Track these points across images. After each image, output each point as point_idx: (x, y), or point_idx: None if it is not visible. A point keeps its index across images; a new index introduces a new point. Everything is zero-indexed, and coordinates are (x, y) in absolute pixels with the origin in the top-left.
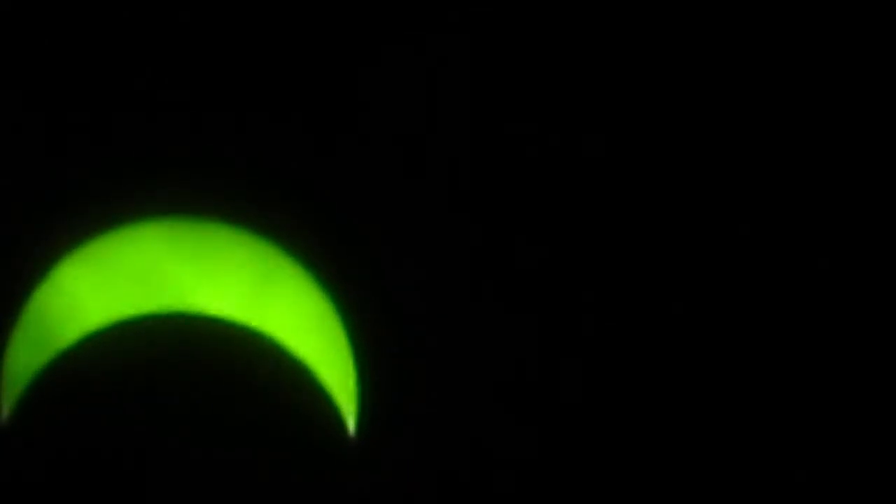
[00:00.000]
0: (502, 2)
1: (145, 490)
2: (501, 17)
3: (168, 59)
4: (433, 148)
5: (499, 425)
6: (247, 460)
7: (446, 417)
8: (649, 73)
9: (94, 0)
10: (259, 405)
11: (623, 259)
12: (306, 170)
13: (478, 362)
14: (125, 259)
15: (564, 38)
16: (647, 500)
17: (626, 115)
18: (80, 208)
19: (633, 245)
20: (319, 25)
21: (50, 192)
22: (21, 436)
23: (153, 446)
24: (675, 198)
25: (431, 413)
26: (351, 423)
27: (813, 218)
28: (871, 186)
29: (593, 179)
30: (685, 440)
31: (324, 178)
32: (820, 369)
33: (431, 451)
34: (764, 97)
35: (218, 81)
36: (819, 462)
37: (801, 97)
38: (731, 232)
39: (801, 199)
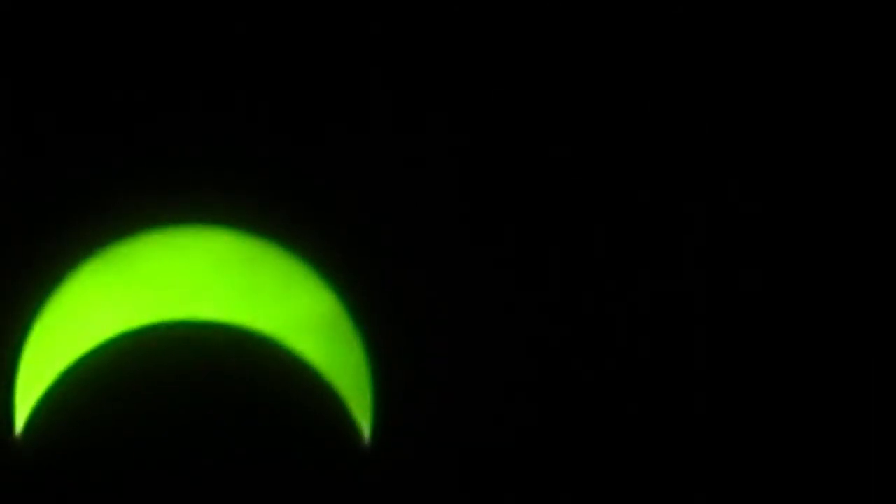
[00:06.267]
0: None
1: (160, 499)
2: (503, 17)
3: (187, 69)
4: (448, 153)
5: (513, 431)
6: (262, 467)
7: (460, 424)
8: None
9: (102, 8)
10: (274, 412)
11: (642, 261)
12: (326, 178)
13: (492, 368)
14: (136, 268)
15: (564, 40)
16: None
17: (629, 114)
18: (89, 219)
19: (650, 246)
20: (324, 27)
21: (55, 205)
22: (36, 448)
23: (168, 455)
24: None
25: (445, 419)
26: (366, 430)
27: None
28: (871, 187)
29: (604, 178)
30: (693, 446)
31: (345, 188)
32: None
33: (445, 458)
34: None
35: (234, 89)
36: (819, 462)
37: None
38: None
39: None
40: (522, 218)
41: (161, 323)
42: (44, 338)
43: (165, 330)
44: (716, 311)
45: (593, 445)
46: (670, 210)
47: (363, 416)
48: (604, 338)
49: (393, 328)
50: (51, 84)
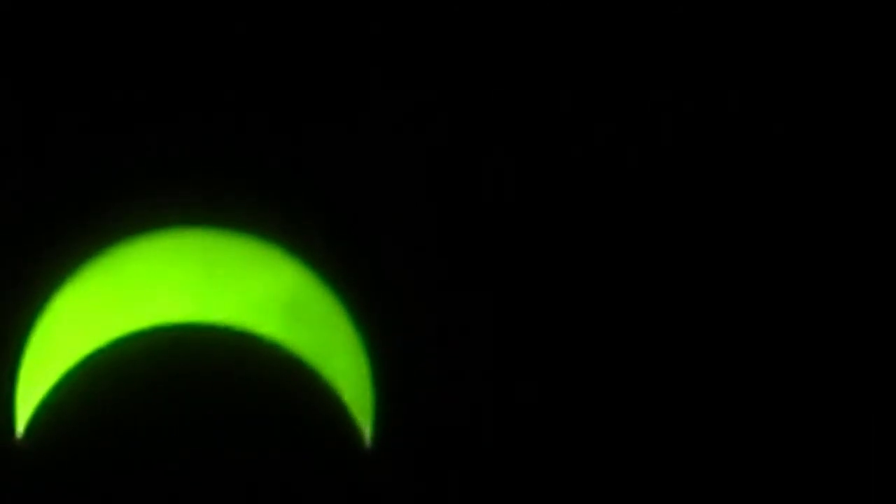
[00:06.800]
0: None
1: (162, 501)
2: (503, 18)
3: (170, 70)
4: (449, 153)
5: (515, 434)
6: (263, 470)
7: (461, 426)
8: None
9: (102, 8)
10: (276, 414)
11: (643, 262)
12: (326, 179)
13: (494, 371)
14: (138, 270)
15: (563, 41)
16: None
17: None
18: (91, 220)
19: (639, 247)
20: (322, 28)
21: (57, 206)
22: (37, 450)
23: (170, 456)
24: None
25: (446, 422)
26: (367, 433)
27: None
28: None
29: (597, 181)
30: (689, 442)
31: (346, 189)
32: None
33: (446, 461)
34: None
35: (223, 89)
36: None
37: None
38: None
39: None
40: (524, 218)
41: (163, 325)
42: (45, 340)
43: (167, 332)
44: (716, 318)
45: (595, 446)
46: (670, 210)
47: (364, 418)
48: (606, 339)
49: (395, 331)
50: (49, 85)
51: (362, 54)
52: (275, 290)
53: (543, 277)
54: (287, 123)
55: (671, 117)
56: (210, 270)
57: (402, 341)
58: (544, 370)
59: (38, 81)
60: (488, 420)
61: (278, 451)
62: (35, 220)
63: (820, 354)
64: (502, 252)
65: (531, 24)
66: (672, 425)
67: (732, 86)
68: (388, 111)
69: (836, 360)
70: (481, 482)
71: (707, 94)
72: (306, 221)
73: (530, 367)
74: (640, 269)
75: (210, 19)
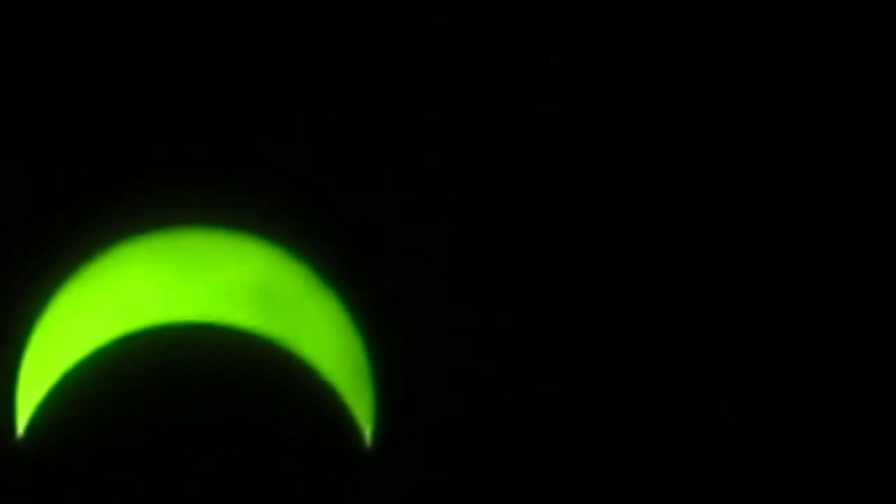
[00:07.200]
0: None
1: (162, 501)
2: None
3: (170, 70)
4: (449, 153)
5: (515, 436)
6: (263, 471)
7: (461, 428)
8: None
9: (100, 8)
10: (275, 415)
11: (646, 265)
12: (326, 178)
13: (495, 374)
14: (139, 269)
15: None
16: None
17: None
18: (91, 220)
19: (655, 250)
20: (322, 28)
21: (58, 206)
22: (38, 450)
23: (170, 457)
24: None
25: (446, 424)
26: (367, 433)
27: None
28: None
29: (609, 180)
30: (689, 442)
31: (346, 188)
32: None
33: (446, 462)
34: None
35: (222, 89)
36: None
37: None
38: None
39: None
40: (525, 218)
41: (163, 325)
42: (46, 340)
43: (168, 332)
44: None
45: (596, 446)
46: (670, 210)
47: (365, 420)
48: (607, 339)
49: (396, 332)
50: (49, 84)
51: (362, 54)
52: (274, 290)
53: (545, 277)
54: (285, 123)
55: (674, 116)
56: (205, 270)
57: (403, 341)
58: (545, 370)
59: (38, 81)
60: (489, 420)
61: (278, 452)
62: (35, 220)
63: (816, 355)
64: (503, 251)
65: (531, 23)
66: (672, 425)
67: (735, 85)
68: (387, 110)
69: (833, 360)
70: (481, 482)
71: (712, 90)
72: (307, 222)
73: (531, 366)
74: (641, 270)
75: (210, 19)
